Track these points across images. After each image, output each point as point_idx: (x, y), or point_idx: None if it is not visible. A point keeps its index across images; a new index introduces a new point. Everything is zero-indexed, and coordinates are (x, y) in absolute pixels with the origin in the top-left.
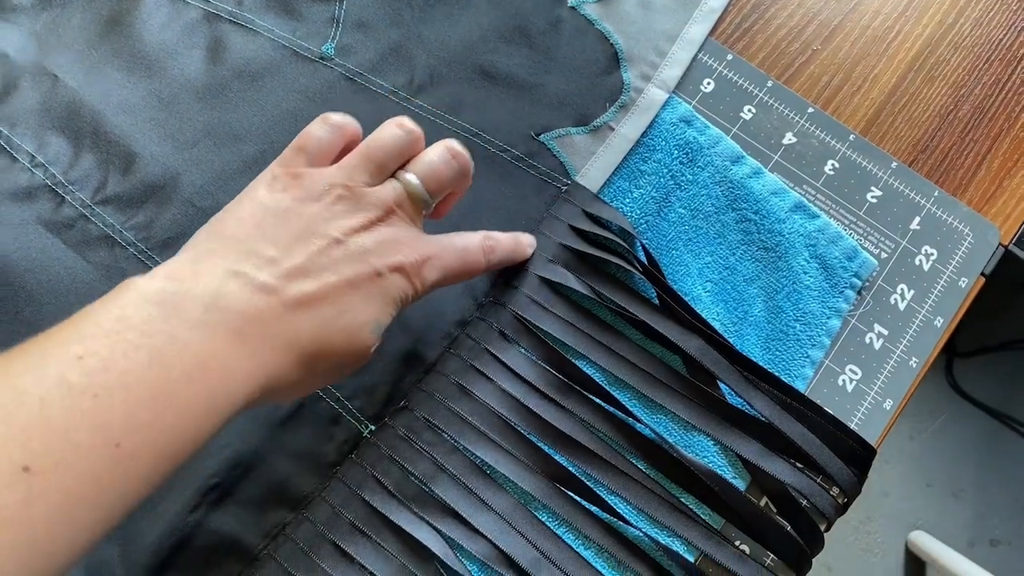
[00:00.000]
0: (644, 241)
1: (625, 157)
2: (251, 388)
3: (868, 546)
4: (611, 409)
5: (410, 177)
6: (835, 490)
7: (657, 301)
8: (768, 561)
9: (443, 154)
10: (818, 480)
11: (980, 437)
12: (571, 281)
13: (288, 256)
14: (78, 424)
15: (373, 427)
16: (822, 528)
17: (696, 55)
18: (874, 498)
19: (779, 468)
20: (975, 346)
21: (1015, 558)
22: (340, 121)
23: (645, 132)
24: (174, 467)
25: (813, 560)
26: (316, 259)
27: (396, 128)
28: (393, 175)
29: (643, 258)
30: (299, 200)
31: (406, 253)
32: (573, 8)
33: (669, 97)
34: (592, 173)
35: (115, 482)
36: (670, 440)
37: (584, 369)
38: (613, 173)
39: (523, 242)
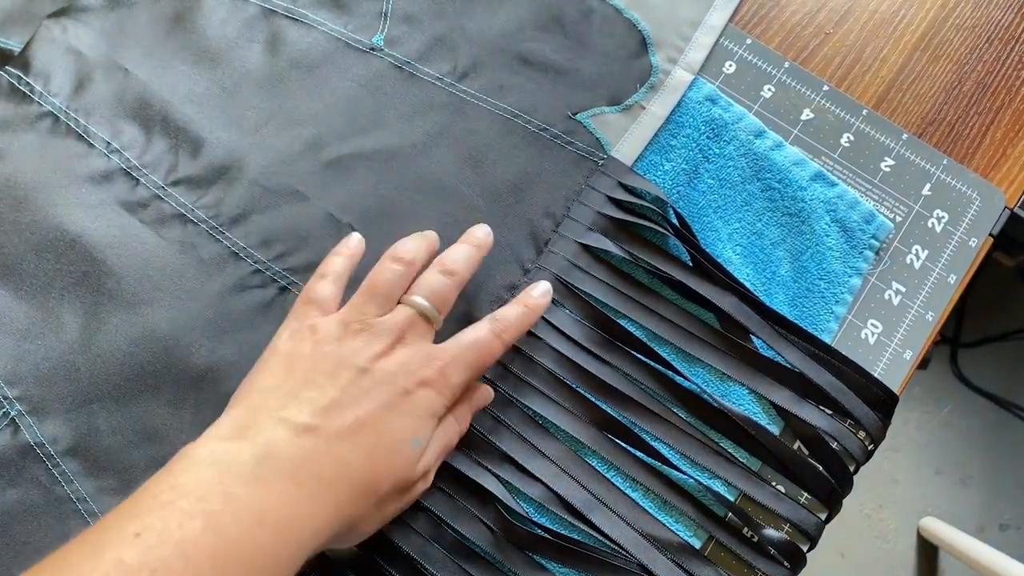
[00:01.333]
0: (676, 208)
1: (656, 133)
2: (314, 530)
3: (881, 533)
4: (652, 363)
5: (417, 299)
6: (862, 434)
7: (691, 263)
8: (803, 500)
9: (440, 278)
10: (846, 424)
11: (986, 425)
12: (610, 246)
13: (323, 393)
14: None
15: None
16: (851, 469)
17: (718, 40)
18: (885, 486)
19: (810, 413)
20: (979, 336)
21: None
22: (409, 254)
23: (673, 110)
24: None
25: (826, 549)
26: (349, 391)
27: (392, 264)
28: (400, 301)
29: (676, 223)
30: (320, 342)
31: (428, 367)
32: None
33: (694, 79)
34: (626, 148)
35: None
36: (708, 390)
37: (626, 327)
38: (645, 148)
39: (532, 305)
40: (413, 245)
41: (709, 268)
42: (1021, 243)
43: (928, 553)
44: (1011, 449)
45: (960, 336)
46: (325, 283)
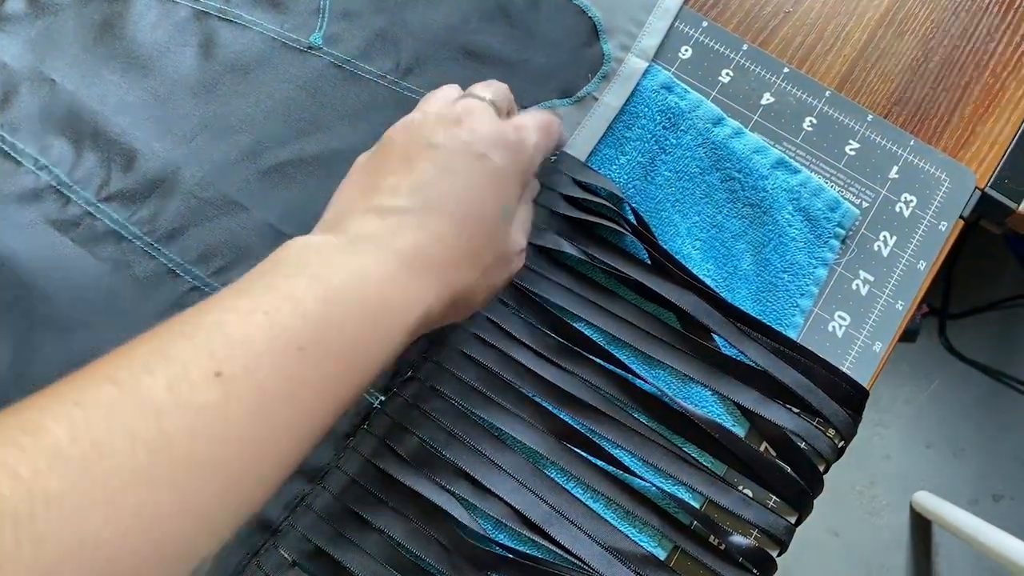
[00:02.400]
0: (633, 204)
1: (610, 125)
2: (420, 301)
3: (874, 509)
4: (611, 367)
5: (480, 91)
6: (832, 432)
7: (649, 261)
8: (771, 503)
9: (499, 84)
10: (815, 423)
11: (977, 396)
12: (565, 247)
13: (402, 177)
14: (254, 334)
15: (383, 398)
16: (821, 469)
17: (672, 24)
18: (876, 461)
19: (776, 413)
20: (967, 307)
21: (1018, 512)
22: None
23: (628, 100)
24: (365, 369)
25: (819, 527)
26: (426, 168)
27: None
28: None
29: (633, 220)
30: (388, 141)
31: (502, 130)
32: None
33: (649, 66)
34: (579, 142)
35: (306, 381)
36: (670, 393)
37: (583, 331)
38: (599, 141)
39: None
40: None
41: (668, 266)
42: (996, 221)
43: (922, 528)
44: (1002, 420)
45: (948, 307)
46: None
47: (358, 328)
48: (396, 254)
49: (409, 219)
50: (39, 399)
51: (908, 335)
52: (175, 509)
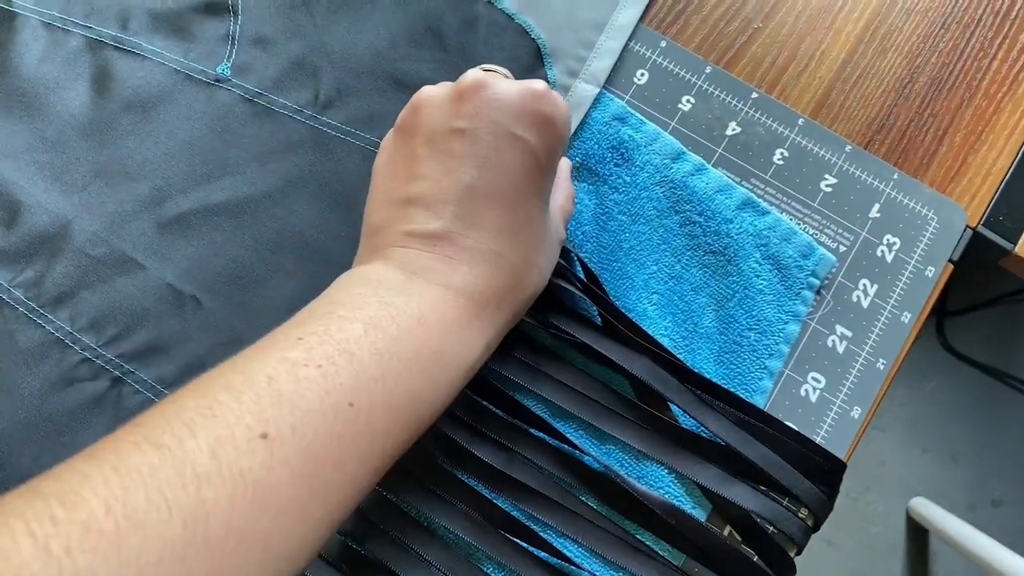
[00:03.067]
0: (582, 255)
1: None
2: (480, 329)
3: (868, 517)
4: (556, 443)
5: (483, 65)
6: (803, 511)
7: (599, 320)
8: None
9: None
10: (784, 503)
11: (976, 397)
12: None
13: (429, 182)
14: (305, 391)
15: None
16: (792, 554)
17: (627, 44)
18: (871, 467)
19: (741, 493)
20: (965, 303)
21: (1018, 517)
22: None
23: (575, 134)
24: (417, 423)
25: (812, 536)
26: (450, 164)
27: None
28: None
29: (581, 274)
30: (405, 132)
31: (515, 93)
32: (489, 2)
33: (600, 93)
34: None
35: (355, 439)
36: (622, 472)
37: (524, 402)
38: None
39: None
40: None
41: (619, 327)
42: (984, 265)
43: (918, 536)
44: (1002, 421)
45: (946, 303)
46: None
47: (412, 380)
48: (456, 295)
49: (459, 247)
50: (81, 462)
51: None
52: None
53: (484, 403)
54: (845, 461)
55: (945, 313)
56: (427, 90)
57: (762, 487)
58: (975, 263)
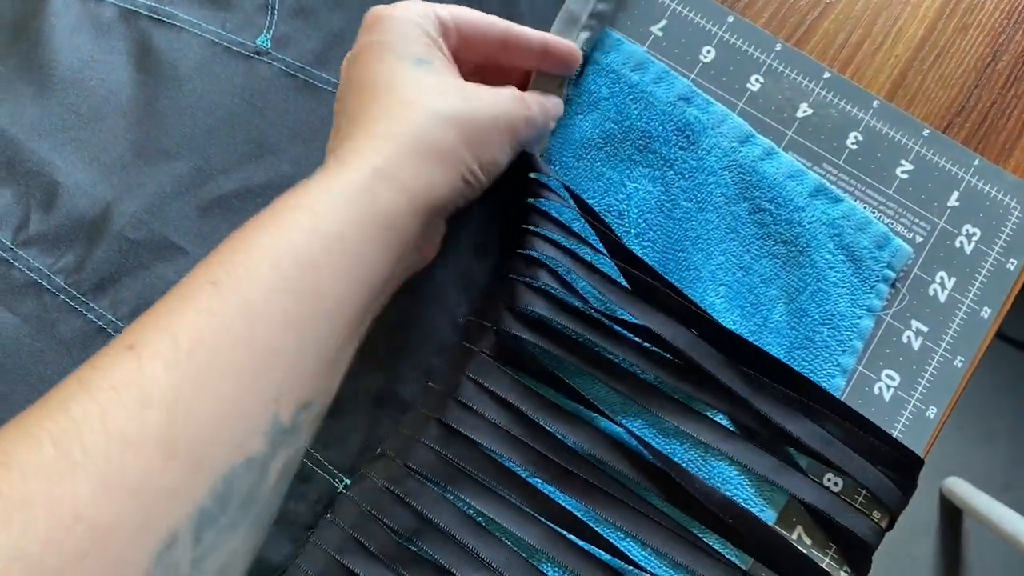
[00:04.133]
0: (645, 243)
1: (617, 144)
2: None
3: None
4: (620, 436)
5: None
6: (876, 513)
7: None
8: None
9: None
10: (860, 497)
11: (1012, 375)
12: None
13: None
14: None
15: (348, 480)
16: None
17: (692, 17)
18: None
19: (807, 489)
20: None
21: None
22: None
23: (640, 116)
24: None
25: None
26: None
27: None
28: None
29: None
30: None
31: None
32: None
33: (663, 71)
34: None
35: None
36: (689, 469)
37: (584, 391)
38: (602, 163)
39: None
40: None
41: (651, 282)
42: None
43: (951, 516)
44: None
45: None
46: None
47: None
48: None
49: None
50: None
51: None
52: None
53: (540, 392)
54: (923, 459)
55: None
56: None
57: (832, 478)
58: None
